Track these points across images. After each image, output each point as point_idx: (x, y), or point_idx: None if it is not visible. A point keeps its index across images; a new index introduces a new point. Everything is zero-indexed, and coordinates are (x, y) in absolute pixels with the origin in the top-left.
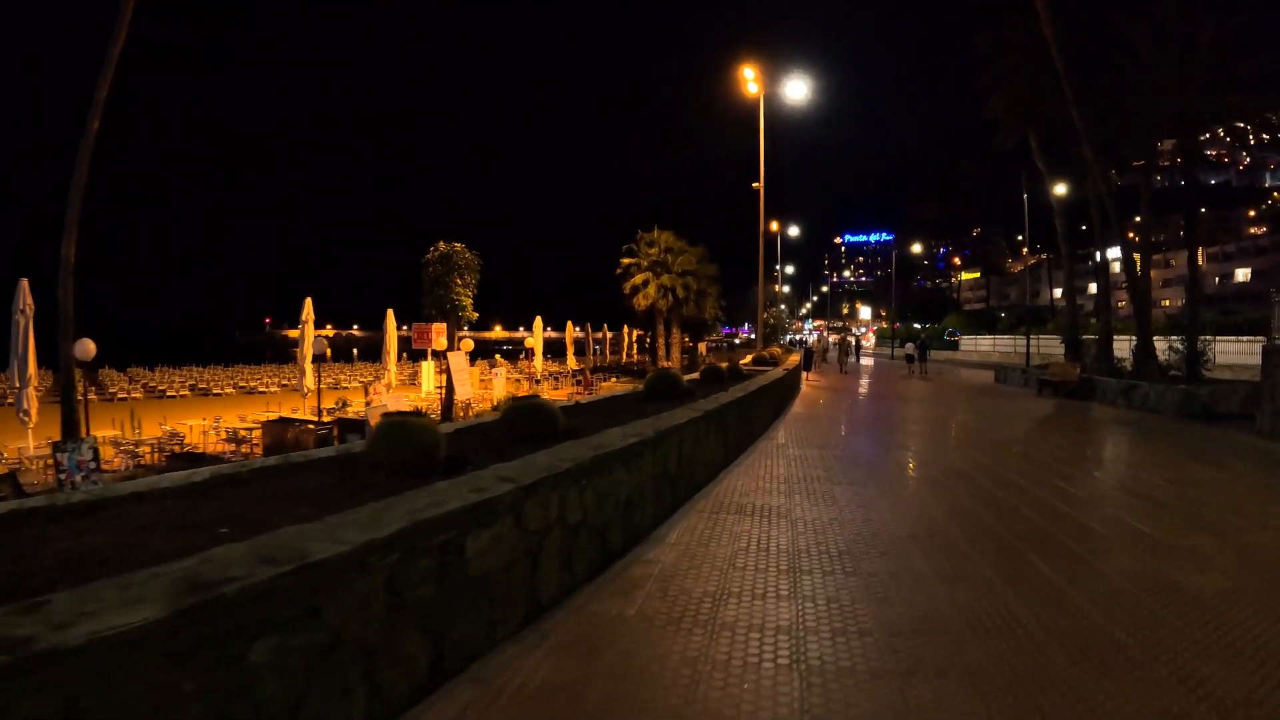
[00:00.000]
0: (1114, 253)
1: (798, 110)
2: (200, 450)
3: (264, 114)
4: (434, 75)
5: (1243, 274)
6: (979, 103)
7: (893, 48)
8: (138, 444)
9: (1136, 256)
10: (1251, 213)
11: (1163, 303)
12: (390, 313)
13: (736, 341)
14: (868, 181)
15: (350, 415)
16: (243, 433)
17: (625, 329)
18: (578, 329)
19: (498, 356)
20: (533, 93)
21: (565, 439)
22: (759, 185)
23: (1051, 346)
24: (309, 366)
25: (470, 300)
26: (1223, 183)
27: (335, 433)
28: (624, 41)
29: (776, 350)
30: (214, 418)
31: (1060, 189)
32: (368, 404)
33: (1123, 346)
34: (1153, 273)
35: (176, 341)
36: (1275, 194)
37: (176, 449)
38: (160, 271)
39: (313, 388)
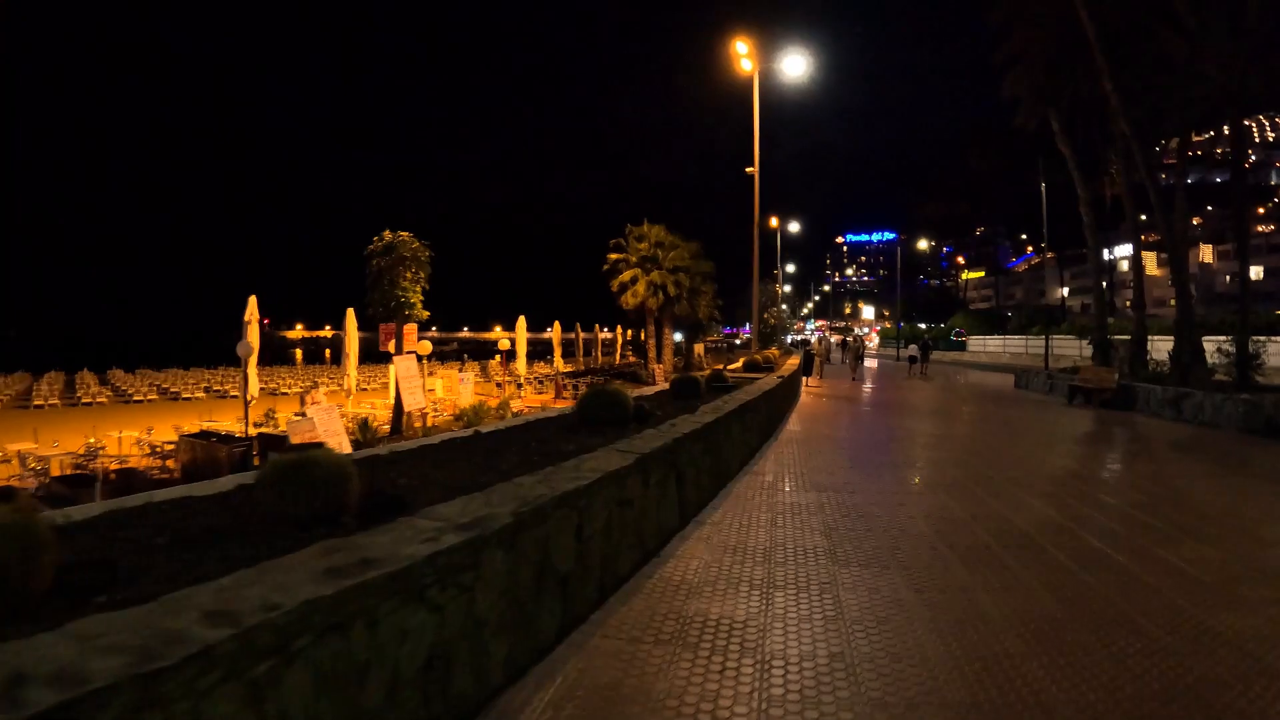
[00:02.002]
0: (1121, 250)
1: (799, 108)
2: (96, 470)
3: (265, 113)
4: (436, 81)
5: (1255, 272)
6: (995, 81)
7: (897, 43)
8: (45, 460)
9: (1148, 255)
10: (1260, 210)
11: (1170, 302)
12: (350, 311)
13: (737, 342)
14: (870, 181)
15: (272, 430)
16: (168, 447)
17: (619, 329)
18: (578, 330)
19: (497, 358)
20: (530, 90)
21: (371, 519)
22: (753, 170)
23: (1066, 347)
24: (252, 372)
25: (420, 297)
26: (1228, 180)
27: (256, 449)
28: (621, 38)
29: (773, 353)
30: (146, 429)
31: (1082, 177)
32: (301, 414)
33: (1149, 348)
34: (1160, 272)
35: (174, 343)
36: None
37: (93, 467)
38: (166, 273)
39: (255, 394)
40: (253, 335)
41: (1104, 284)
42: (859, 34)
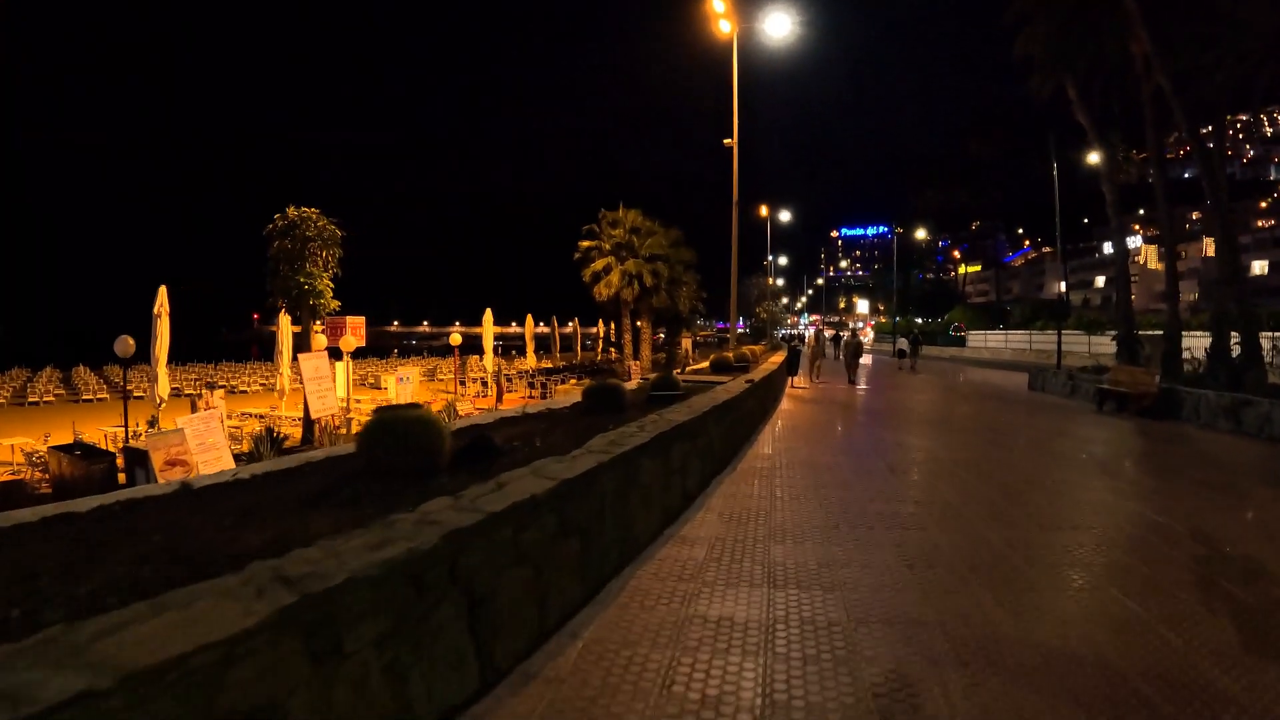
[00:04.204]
0: (1126, 243)
1: (793, 103)
2: None
3: (263, 104)
4: (424, 76)
5: (1259, 266)
6: (1004, 52)
7: (893, 33)
8: None
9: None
10: (1263, 204)
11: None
12: (284, 315)
13: (728, 337)
14: (865, 175)
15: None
16: (50, 460)
17: (600, 323)
18: (554, 324)
19: (489, 352)
20: (524, 77)
21: None
22: (731, 142)
23: (1075, 343)
24: (162, 371)
25: (329, 284)
26: (1228, 175)
27: (120, 464)
28: (614, 20)
29: (754, 349)
30: (44, 435)
31: (1095, 156)
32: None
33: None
34: (1161, 265)
35: (180, 340)
36: None
37: None
38: (165, 270)
39: (164, 396)
40: (163, 329)
41: (1127, 268)
42: (855, 25)
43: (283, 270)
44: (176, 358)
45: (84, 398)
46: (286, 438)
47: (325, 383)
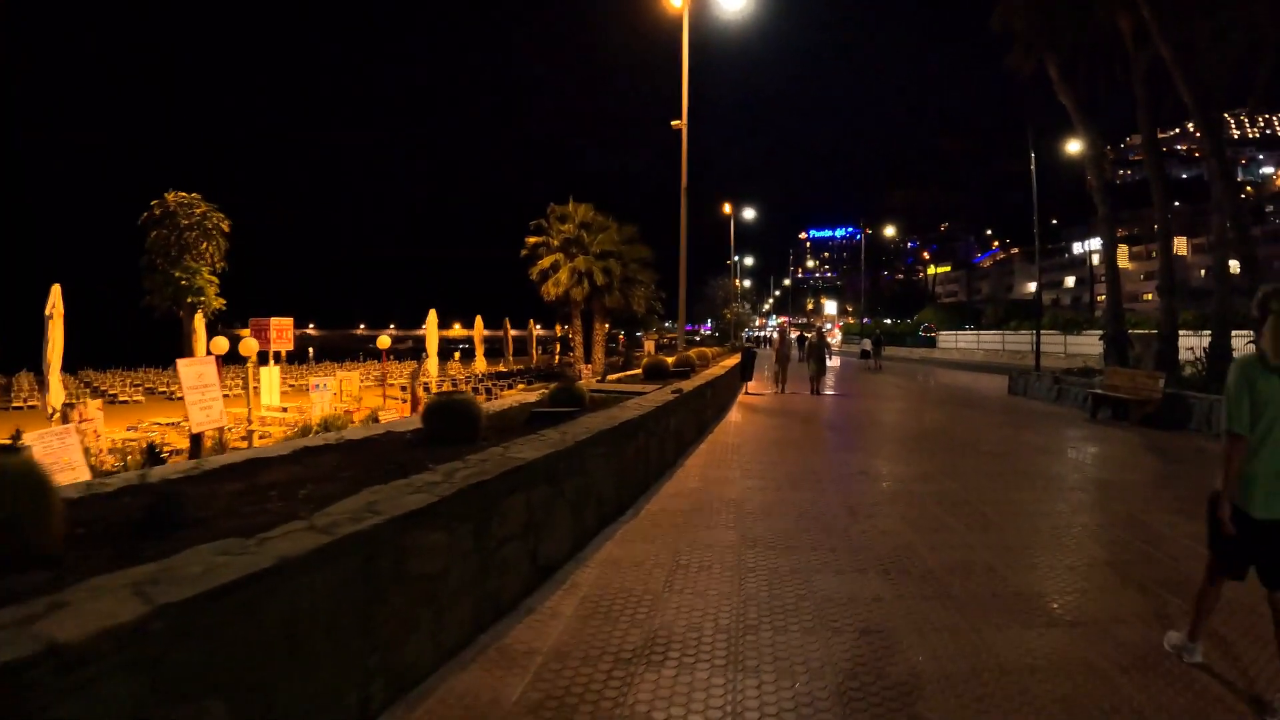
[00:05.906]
0: (1092, 244)
1: (762, 103)
2: None
3: (250, 106)
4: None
5: (1232, 266)
6: (984, 15)
7: (862, 31)
8: None
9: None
10: None
11: (1144, 297)
12: (199, 315)
13: (696, 339)
14: (834, 176)
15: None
16: None
17: (558, 325)
18: (506, 326)
19: (456, 354)
20: (492, 73)
21: None
22: (680, 124)
23: (1050, 343)
24: (55, 378)
25: (211, 281)
26: (1194, 177)
27: None
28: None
29: (704, 352)
30: None
31: (1076, 146)
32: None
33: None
34: (1133, 265)
35: (157, 344)
36: (1249, 189)
37: None
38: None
39: (56, 406)
40: (55, 332)
41: (1116, 261)
42: (824, 19)
43: (159, 265)
44: (141, 362)
45: (14, 405)
46: (176, 452)
47: (210, 392)
